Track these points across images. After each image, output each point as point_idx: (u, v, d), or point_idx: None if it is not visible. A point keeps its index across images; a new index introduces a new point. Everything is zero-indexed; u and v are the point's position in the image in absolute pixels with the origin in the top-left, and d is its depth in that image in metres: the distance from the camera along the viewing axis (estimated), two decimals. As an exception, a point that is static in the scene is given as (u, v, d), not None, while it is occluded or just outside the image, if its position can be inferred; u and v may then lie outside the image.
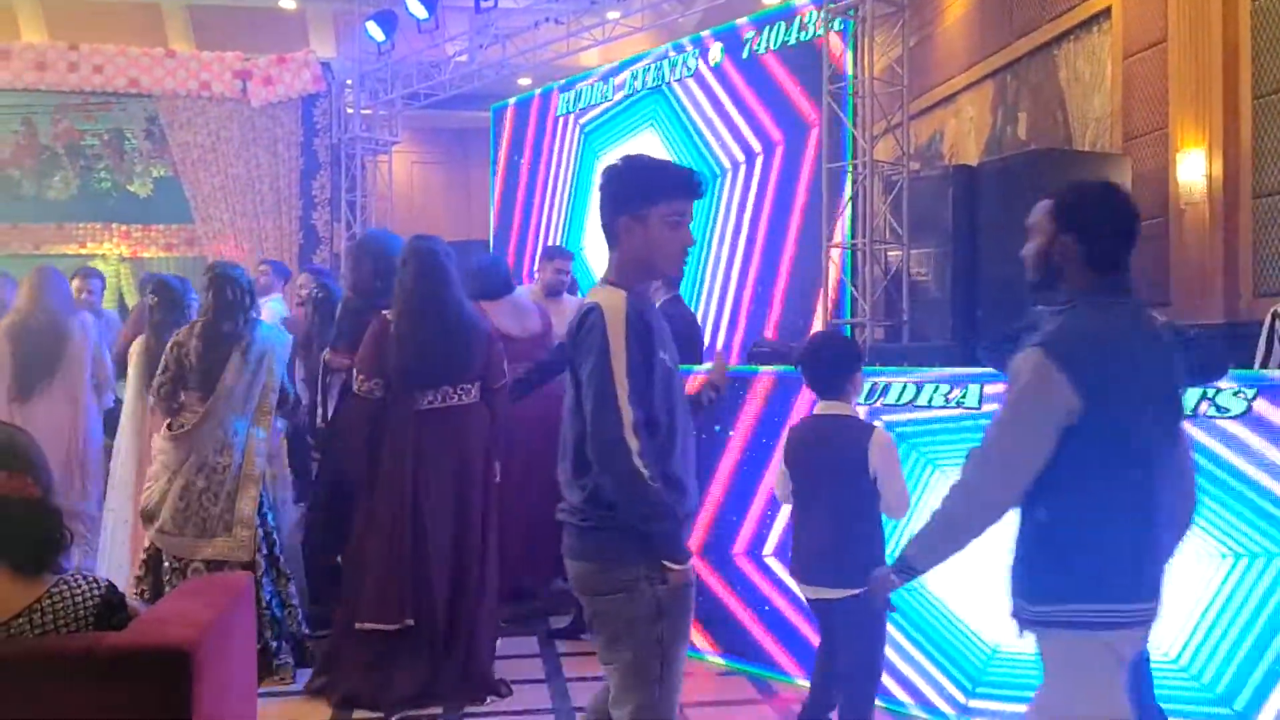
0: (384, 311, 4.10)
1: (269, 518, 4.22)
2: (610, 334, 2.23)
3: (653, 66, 7.53)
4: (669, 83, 7.33)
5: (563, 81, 8.32)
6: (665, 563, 2.23)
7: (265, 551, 4.17)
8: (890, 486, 2.91)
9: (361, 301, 4.43)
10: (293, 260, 9.22)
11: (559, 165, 8.38)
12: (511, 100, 8.99)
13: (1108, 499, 2.08)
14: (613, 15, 7.98)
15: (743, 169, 6.69)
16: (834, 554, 2.94)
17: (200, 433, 4.12)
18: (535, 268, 5.80)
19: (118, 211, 9.36)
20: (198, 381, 4.16)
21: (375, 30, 9.00)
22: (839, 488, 2.95)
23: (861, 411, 3.57)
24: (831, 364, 3.06)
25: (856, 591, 2.76)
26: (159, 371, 4.23)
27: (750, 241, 6.60)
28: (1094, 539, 2.07)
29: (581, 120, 8.20)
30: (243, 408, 4.19)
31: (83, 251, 9.03)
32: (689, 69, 7.13)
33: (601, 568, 2.29)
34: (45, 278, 5.40)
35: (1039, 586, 2.12)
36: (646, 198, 2.32)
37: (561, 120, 8.41)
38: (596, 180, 2.44)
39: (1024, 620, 2.16)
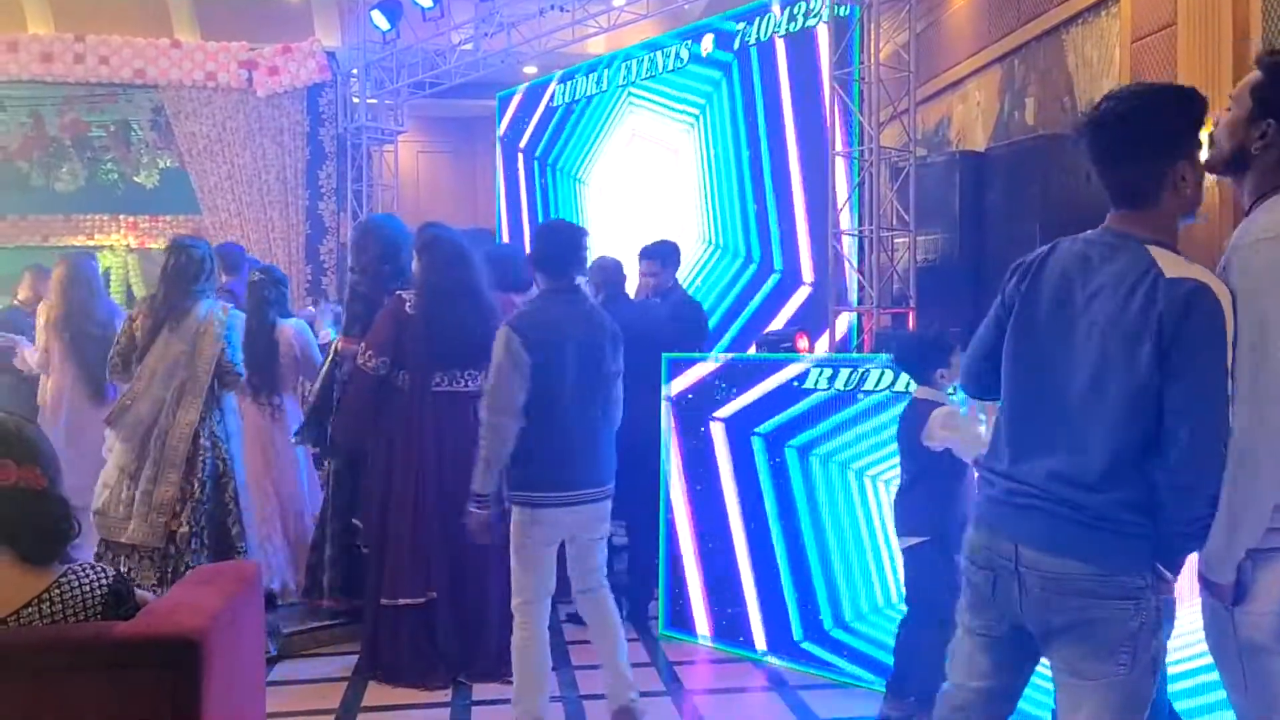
0: (400, 293, 4.13)
1: (216, 495, 4.12)
2: (1227, 325, 1.87)
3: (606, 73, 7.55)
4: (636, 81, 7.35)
5: (563, 70, 8.31)
6: (1166, 571, 1.98)
7: (209, 533, 4.07)
8: (955, 445, 3.36)
9: (370, 286, 4.43)
10: (299, 250, 9.23)
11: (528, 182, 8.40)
12: (498, 97, 9.03)
13: (543, 425, 3.31)
14: (618, 2, 7.95)
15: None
16: (904, 510, 3.55)
17: (129, 415, 4.03)
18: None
19: (125, 203, 9.37)
20: (140, 358, 4.06)
21: (380, 19, 8.97)
22: (910, 457, 3.53)
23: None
24: (921, 358, 3.59)
25: (915, 541, 3.48)
26: (113, 347, 4.18)
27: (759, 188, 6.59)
28: (530, 451, 3.32)
29: (535, 150, 8.21)
30: (169, 389, 4.05)
31: (90, 243, 9.04)
32: (681, 60, 7.11)
33: (1109, 572, 1.97)
34: (81, 269, 5.44)
35: (511, 482, 3.36)
36: (1192, 128, 1.99)
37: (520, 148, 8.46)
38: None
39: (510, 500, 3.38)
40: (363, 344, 4.11)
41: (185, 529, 4.01)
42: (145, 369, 4.03)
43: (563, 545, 3.49)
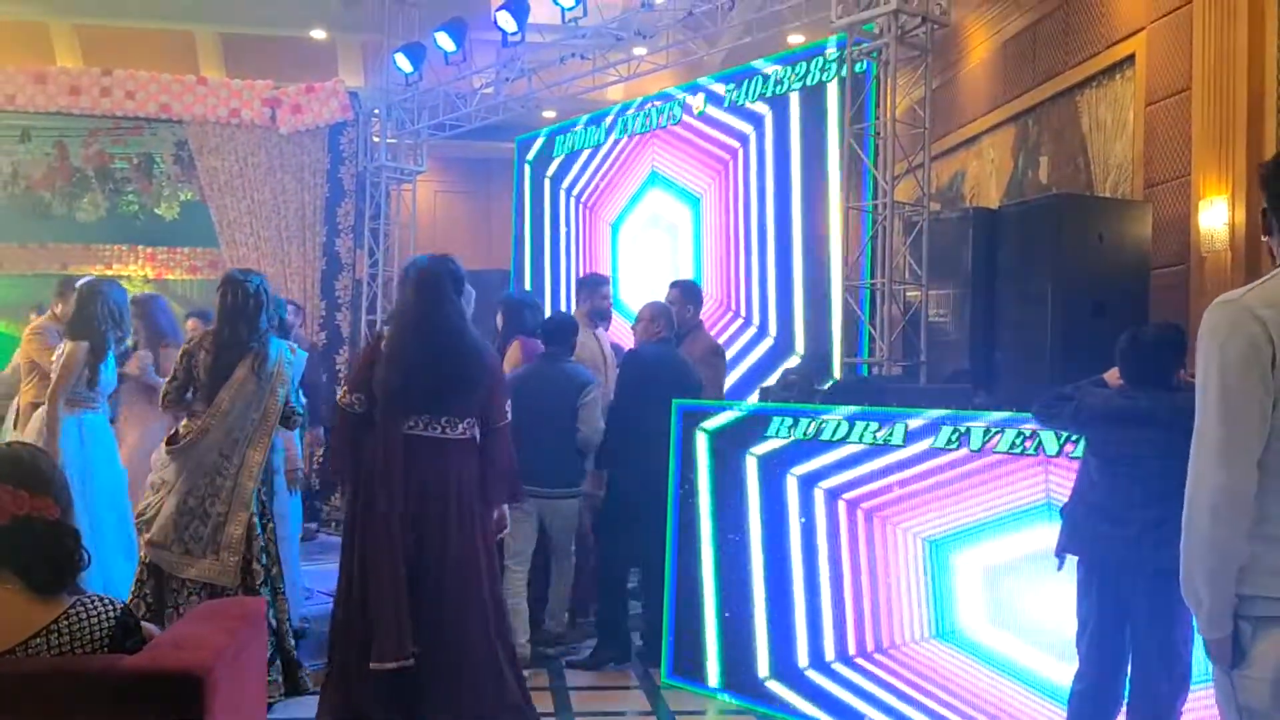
0: (383, 328, 4.06)
1: (262, 535, 4.11)
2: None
3: (637, 115, 7.65)
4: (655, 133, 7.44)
5: (585, 118, 8.40)
6: None
7: (262, 572, 4.07)
8: None
9: None
10: (314, 285, 9.30)
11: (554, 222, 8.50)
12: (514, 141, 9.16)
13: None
14: (639, 51, 8.06)
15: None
16: None
17: (196, 449, 4.00)
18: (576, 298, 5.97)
19: (144, 234, 9.47)
20: (204, 394, 4.05)
21: (403, 62, 9.11)
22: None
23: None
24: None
25: None
26: (168, 379, 4.19)
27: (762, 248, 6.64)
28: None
29: (564, 184, 8.30)
30: (241, 428, 4.05)
31: (109, 272, 9.13)
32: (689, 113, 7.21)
33: None
34: (154, 306, 5.65)
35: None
36: None
37: (547, 180, 8.56)
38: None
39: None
40: (343, 384, 4.08)
41: (258, 568, 4.04)
42: (219, 404, 4.02)
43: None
